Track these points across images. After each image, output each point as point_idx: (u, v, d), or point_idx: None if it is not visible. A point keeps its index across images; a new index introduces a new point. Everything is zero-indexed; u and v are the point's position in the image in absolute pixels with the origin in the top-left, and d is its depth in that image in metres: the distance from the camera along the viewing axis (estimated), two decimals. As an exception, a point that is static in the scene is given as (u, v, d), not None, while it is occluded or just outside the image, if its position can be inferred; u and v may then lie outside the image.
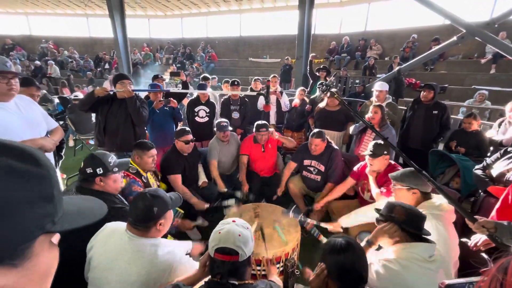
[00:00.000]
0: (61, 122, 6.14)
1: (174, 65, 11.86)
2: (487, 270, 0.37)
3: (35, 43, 14.27)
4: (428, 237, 1.29)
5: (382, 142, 2.21)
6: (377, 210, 1.41)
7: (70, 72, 11.25)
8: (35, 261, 0.36)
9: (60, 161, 2.10)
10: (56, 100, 6.65)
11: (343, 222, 2.14)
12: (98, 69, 12.19)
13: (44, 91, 6.40)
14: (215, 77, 4.75)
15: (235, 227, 1.07)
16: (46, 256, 0.39)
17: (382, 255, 1.31)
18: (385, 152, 2.19)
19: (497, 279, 0.34)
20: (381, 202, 2.02)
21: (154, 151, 2.24)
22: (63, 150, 1.96)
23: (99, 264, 1.18)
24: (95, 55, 13.20)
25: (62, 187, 2.10)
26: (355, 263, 1.02)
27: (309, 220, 2.20)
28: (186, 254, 1.36)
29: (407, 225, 1.24)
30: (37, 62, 11.52)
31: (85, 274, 1.23)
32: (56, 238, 0.42)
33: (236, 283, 0.99)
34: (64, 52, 13.17)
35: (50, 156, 1.88)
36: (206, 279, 1.07)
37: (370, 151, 2.23)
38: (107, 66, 12.06)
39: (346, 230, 2.30)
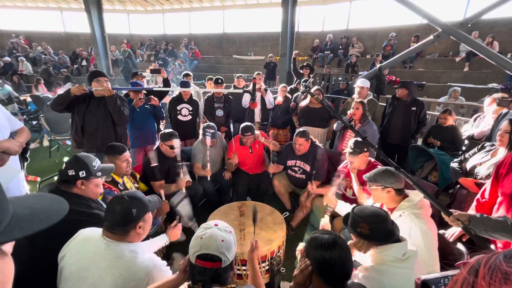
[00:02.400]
0: (35, 122, 5.83)
1: (156, 62, 11.52)
2: (460, 267, 0.37)
3: (4, 38, 13.36)
4: (413, 237, 1.34)
5: (361, 139, 2.25)
6: (344, 221, 1.40)
7: (47, 66, 10.56)
8: None
9: (26, 163, 1.95)
10: (29, 99, 6.28)
11: (341, 208, 2.11)
12: (75, 66, 11.62)
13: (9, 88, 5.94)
14: (190, 74, 4.63)
15: (218, 231, 1.01)
16: None
17: (361, 260, 1.34)
18: (365, 150, 2.24)
19: (468, 282, 0.33)
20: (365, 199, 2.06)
21: (127, 154, 2.10)
22: (28, 152, 1.83)
23: (71, 274, 1.11)
24: (70, 51, 12.56)
25: (27, 190, 1.96)
26: (341, 260, 1.02)
27: None
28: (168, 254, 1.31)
29: (374, 239, 1.26)
30: (7, 58, 10.80)
31: (57, 285, 1.16)
32: (7, 247, 0.37)
33: None
34: (37, 48, 12.43)
35: (15, 159, 1.75)
36: (186, 284, 1.02)
37: (351, 148, 2.27)
38: (84, 63, 11.52)
39: (331, 225, 2.32)
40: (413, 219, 1.48)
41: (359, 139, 2.28)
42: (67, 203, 0.46)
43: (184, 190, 2.59)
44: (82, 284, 1.08)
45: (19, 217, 0.36)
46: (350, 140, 2.36)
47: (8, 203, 0.36)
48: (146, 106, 3.20)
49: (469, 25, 4.56)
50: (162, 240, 1.65)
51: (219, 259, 0.96)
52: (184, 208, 1.74)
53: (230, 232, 1.06)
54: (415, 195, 1.61)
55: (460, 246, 1.63)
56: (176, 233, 1.72)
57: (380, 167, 1.77)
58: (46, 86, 8.72)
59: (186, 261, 1.09)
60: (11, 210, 0.36)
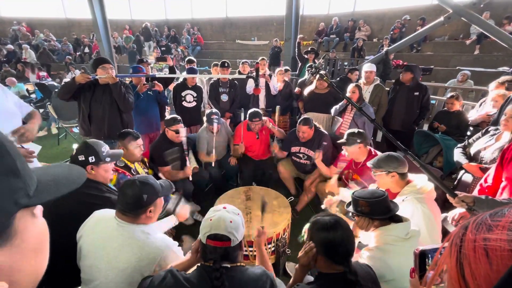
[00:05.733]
0: (41, 110, 5.89)
1: (158, 48, 11.36)
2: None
3: (5, 25, 13.26)
4: (415, 221, 1.37)
5: (355, 131, 2.30)
6: (347, 206, 1.47)
7: (42, 48, 10.57)
8: (21, 237, 0.36)
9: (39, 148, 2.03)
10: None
11: (344, 192, 2.15)
12: (78, 53, 11.56)
13: None
14: (194, 60, 4.60)
15: (226, 213, 1.08)
16: (32, 230, 0.39)
17: (366, 241, 1.39)
18: (358, 141, 2.26)
19: (458, 235, 0.37)
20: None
21: (140, 141, 2.17)
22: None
23: (89, 253, 1.18)
24: (72, 38, 12.45)
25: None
26: (343, 239, 1.07)
27: None
28: (177, 240, 1.37)
29: (375, 215, 1.32)
30: (10, 46, 10.77)
31: (77, 262, 1.23)
32: (38, 210, 0.41)
33: (229, 265, 1.02)
34: (39, 35, 12.34)
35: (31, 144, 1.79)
36: (199, 263, 1.08)
37: (345, 139, 2.32)
38: (87, 50, 11.45)
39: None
40: (415, 203, 1.51)
41: (354, 130, 2.32)
42: (83, 170, 0.50)
43: (190, 178, 2.64)
44: (99, 262, 1.15)
45: (44, 183, 0.40)
46: (346, 131, 2.39)
47: (32, 171, 0.40)
48: (149, 92, 3.22)
49: (482, 6, 4.39)
50: (170, 222, 1.71)
51: (228, 239, 1.02)
52: (184, 208, 1.79)
53: (238, 214, 1.12)
54: (420, 180, 1.63)
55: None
56: (183, 213, 1.77)
57: (383, 153, 1.79)
58: (47, 69, 8.79)
59: (197, 243, 1.16)
60: (35, 178, 0.40)
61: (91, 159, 1.50)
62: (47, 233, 0.43)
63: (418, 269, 0.58)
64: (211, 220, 1.05)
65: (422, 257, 0.58)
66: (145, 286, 1.01)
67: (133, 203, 1.20)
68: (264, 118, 3.04)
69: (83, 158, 1.49)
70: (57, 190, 0.41)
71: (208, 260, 1.03)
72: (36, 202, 0.38)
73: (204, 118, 3.05)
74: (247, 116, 2.99)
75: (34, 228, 0.39)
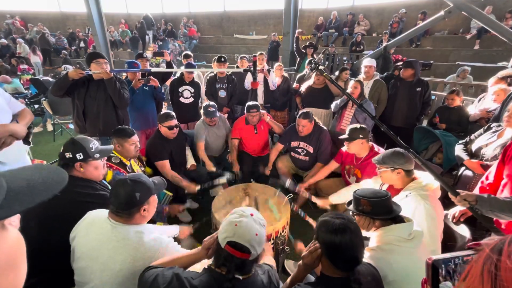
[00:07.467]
0: (36, 106, 5.80)
1: (155, 43, 11.19)
2: (478, 251, 0.36)
3: (-2, 19, 13.04)
4: (416, 218, 1.34)
5: (357, 126, 2.27)
6: (348, 205, 1.43)
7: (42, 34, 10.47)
8: None
9: (28, 147, 1.93)
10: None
11: (333, 199, 2.19)
12: (73, 48, 11.39)
13: None
14: (191, 55, 4.48)
15: (253, 223, 1.00)
16: (1, 246, 0.34)
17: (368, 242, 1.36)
18: (361, 136, 2.24)
19: (491, 261, 0.33)
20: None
21: (135, 138, 2.11)
22: (31, 136, 1.79)
23: (83, 254, 1.15)
24: (66, 32, 12.25)
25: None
26: (350, 245, 1.00)
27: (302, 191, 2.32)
28: (174, 240, 1.33)
29: (376, 214, 1.27)
30: (3, 41, 10.58)
31: (71, 263, 1.20)
32: (10, 221, 0.36)
33: (241, 277, 0.96)
34: (33, 29, 12.11)
35: (19, 143, 1.73)
36: (206, 264, 1.03)
37: (347, 135, 2.28)
38: (82, 44, 11.28)
39: (334, 207, 2.36)
40: (418, 200, 1.48)
41: (355, 125, 2.29)
42: (65, 172, 0.44)
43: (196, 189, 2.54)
44: (94, 263, 1.12)
45: (17, 190, 0.35)
46: (348, 126, 2.36)
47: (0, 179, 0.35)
48: (145, 87, 3.15)
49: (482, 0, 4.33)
50: (173, 231, 1.68)
51: (248, 251, 0.96)
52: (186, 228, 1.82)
53: (264, 225, 1.05)
54: (426, 177, 1.60)
55: (463, 228, 1.65)
56: (186, 232, 1.75)
57: (388, 150, 1.76)
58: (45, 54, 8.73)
59: (213, 241, 1.09)
60: (5, 184, 0.34)
61: (79, 156, 1.44)
62: (23, 247, 0.38)
63: (430, 279, 0.55)
64: (236, 225, 0.97)
65: (434, 268, 0.54)
66: (148, 282, 0.96)
67: (126, 203, 1.16)
68: (262, 111, 2.99)
69: (71, 156, 1.43)
70: (30, 200, 0.35)
71: (220, 265, 0.97)
72: (3, 214, 0.33)
73: (201, 111, 3.00)
74: (245, 108, 2.95)
75: (3, 243, 0.34)
